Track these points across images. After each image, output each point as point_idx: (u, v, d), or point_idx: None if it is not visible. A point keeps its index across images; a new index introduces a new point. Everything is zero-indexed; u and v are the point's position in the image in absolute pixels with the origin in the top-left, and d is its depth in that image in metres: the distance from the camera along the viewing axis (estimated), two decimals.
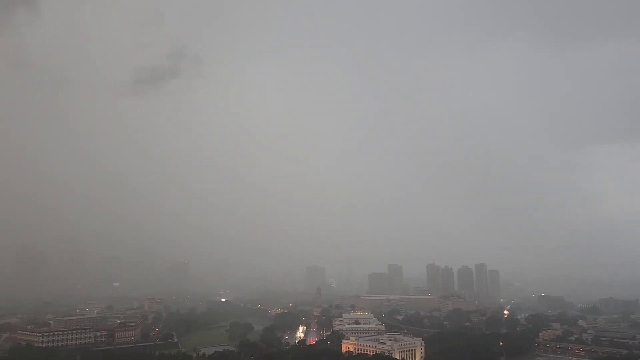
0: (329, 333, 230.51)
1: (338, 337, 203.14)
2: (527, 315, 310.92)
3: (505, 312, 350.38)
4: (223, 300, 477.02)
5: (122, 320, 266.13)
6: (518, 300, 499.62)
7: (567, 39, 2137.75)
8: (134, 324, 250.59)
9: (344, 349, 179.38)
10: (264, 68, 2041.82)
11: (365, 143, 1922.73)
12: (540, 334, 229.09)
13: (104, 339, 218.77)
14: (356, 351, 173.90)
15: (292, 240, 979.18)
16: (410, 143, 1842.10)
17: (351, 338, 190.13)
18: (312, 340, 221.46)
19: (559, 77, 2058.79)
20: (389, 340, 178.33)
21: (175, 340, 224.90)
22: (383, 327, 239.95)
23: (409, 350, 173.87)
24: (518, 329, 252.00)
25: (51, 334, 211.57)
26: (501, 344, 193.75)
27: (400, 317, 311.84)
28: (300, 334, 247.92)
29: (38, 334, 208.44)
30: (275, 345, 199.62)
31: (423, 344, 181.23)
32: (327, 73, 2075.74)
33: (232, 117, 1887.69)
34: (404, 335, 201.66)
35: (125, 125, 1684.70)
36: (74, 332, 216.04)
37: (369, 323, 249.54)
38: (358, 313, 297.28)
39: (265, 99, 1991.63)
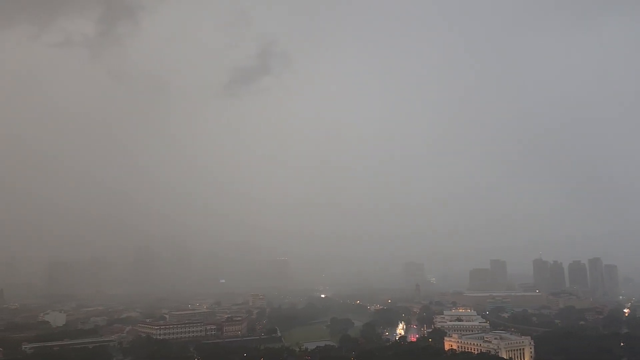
0: (430, 330, 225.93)
1: (440, 334, 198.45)
2: None
3: (626, 310, 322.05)
4: (322, 296, 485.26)
5: (229, 315, 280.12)
6: None
7: None
8: (240, 318, 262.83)
9: (446, 347, 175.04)
10: (353, 62, 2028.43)
11: (459, 134, 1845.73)
12: None
13: (213, 332, 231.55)
14: (459, 349, 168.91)
15: (389, 236, 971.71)
16: (511, 130, 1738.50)
17: (454, 336, 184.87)
18: (413, 337, 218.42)
19: None
20: (495, 338, 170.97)
21: (279, 334, 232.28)
22: (487, 324, 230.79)
23: (516, 350, 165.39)
24: None
25: (167, 327, 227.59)
26: (622, 344, 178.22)
27: (505, 315, 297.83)
28: (400, 331, 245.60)
29: (155, 327, 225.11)
30: (375, 341, 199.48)
31: (532, 343, 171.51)
32: (418, 66, 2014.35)
33: (323, 112, 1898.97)
34: (511, 334, 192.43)
35: (221, 126, 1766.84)
36: (187, 325, 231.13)
37: (472, 320, 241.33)
38: (460, 310, 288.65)
39: (355, 93, 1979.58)
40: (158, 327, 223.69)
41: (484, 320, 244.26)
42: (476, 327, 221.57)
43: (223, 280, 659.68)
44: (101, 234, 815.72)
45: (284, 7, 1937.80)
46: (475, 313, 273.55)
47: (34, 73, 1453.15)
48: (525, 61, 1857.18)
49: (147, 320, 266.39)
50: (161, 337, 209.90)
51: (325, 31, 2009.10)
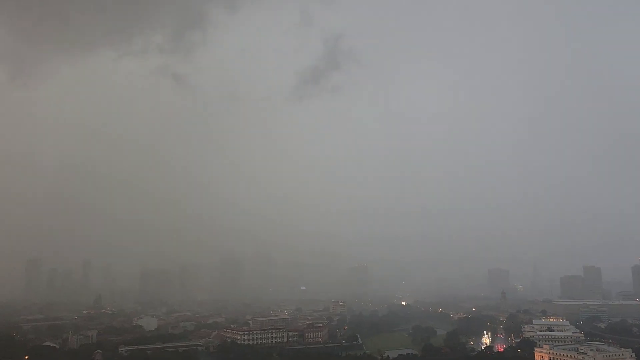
0: (518, 340, 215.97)
1: (529, 344, 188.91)
2: None
3: None
4: (403, 303, 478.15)
5: (310, 322, 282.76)
6: None
7: None
8: (321, 325, 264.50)
9: (536, 358, 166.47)
10: (427, 57, 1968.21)
11: (545, 132, 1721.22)
12: None
13: (295, 338, 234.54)
14: None
15: (472, 241, 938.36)
16: (605, 126, 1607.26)
17: (545, 346, 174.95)
18: (500, 347, 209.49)
19: None
20: (591, 350, 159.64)
21: (360, 342, 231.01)
22: (582, 335, 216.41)
23: None
24: None
25: (251, 332, 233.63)
26: None
27: (602, 325, 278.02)
28: (486, 340, 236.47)
29: (240, 333, 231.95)
30: (460, 350, 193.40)
31: (634, 355, 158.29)
32: (492, 61, 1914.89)
33: (396, 108, 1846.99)
34: (609, 346, 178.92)
35: (293, 129, 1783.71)
36: (270, 331, 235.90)
37: (565, 330, 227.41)
38: (551, 319, 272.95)
39: (430, 87, 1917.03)
40: (242, 333, 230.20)
41: (578, 331, 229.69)
42: (569, 337, 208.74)
43: (304, 287, 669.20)
44: (189, 245, 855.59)
45: (344, 3, 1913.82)
46: (567, 323, 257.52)
47: (117, 89, 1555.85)
48: (615, 55, 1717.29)
49: (232, 325, 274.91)
50: (246, 342, 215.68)
51: (391, 25, 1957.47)
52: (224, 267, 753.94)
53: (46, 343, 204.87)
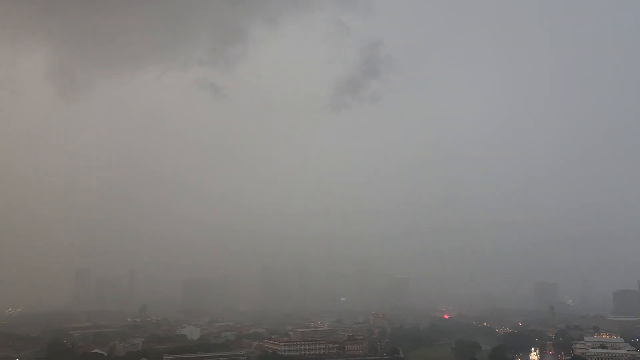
0: (568, 357, 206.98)
1: None
2: None
3: None
4: (446, 316, 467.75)
5: (350, 334, 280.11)
6: None
7: None
8: (361, 337, 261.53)
9: None
10: (466, 62, 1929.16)
11: (598, 141, 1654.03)
12: None
13: (335, 350, 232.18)
14: None
15: (517, 253, 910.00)
16: None
17: None
18: None
19: None
20: None
21: (402, 355, 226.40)
22: (637, 353, 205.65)
23: None
24: None
25: (291, 343, 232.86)
26: None
27: None
28: (534, 357, 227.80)
29: (280, 344, 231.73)
30: None
31: None
32: (544, 69, 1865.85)
33: (438, 115, 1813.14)
34: None
35: (331, 140, 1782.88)
36: (310, 342, 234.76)
37: (619, 348, 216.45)
38: (604, 336, 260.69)
39: (472, 95, 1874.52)
40: (283, 344, 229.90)
41: (634, 349, 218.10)
42: (624, 355, 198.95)
43: (344, 299, 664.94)
44: (229, 255, 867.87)
45: (379, 12, 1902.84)
46: (622, 340, 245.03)
47: (159, 103, 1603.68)
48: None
49: (273, 336, 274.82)
50: (286, 353, 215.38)
51: (429, 31, 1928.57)
52: (263, 277, 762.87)
53: (94, 350, 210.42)
